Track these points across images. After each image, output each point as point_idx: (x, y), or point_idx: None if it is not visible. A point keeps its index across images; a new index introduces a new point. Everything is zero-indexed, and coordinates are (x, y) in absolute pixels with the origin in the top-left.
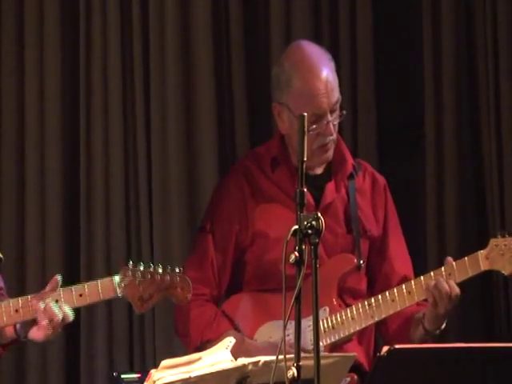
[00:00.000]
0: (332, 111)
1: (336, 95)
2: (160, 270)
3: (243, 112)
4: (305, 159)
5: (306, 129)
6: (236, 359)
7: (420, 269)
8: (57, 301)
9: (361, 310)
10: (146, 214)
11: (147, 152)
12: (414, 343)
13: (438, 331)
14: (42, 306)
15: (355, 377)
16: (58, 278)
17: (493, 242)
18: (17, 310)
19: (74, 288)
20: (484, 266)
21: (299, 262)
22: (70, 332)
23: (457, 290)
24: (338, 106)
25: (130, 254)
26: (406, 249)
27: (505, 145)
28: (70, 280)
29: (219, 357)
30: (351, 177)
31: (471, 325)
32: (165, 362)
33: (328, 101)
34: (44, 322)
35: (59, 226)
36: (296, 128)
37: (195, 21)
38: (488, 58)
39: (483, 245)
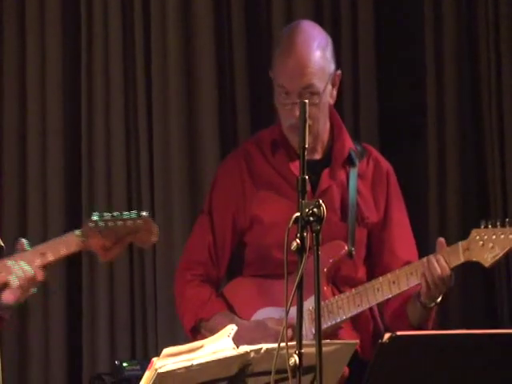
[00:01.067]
0: (301, 94)
1: (309, 81)
2: (124, 216)
3: (245, 103)
4: (306, 146)
5: (306, 116)
6: (238, 346)
7: (422, 256)
8: (21, 262)
9: (348, 298)
10: (147, 205)
11: (149, 145)
12: (412, 319)
13: (433, 304)
14: (10, 265)
15: (345, 369)
16: (24, 240)
17: (474, 232)
18: None
19: (36, 247)
20: (464, 257)
21: (301, 250)
22: (72, 320)
23: (448, 270)
24: (310, 92)
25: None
26: (411, 234)
27: (506, 131)
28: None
29: (221, 344)
30: (353, 163)
31: (473, 314)
32: (167, 350)
33: (297, 82)
34: (13, 284)
35: (61, 221)
36: (276, 97)
37: (197, 14)
38: (490, 43)
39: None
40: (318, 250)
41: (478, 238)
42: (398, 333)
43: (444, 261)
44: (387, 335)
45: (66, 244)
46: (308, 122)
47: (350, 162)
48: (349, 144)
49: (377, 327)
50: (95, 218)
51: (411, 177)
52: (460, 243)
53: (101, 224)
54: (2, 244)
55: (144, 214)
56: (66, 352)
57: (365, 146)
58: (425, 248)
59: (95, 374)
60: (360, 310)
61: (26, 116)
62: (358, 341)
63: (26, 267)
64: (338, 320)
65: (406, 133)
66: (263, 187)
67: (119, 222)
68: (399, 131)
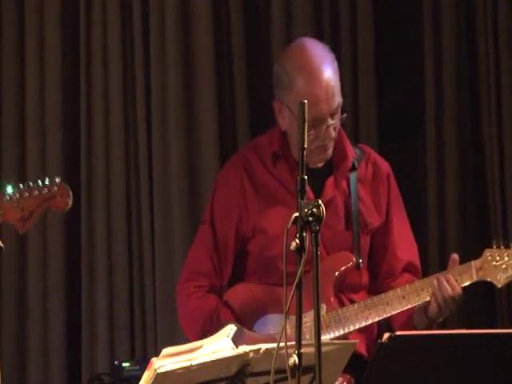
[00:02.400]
0: (332, 115)
1: (337, 100)
2: (38, 185)
3: (244, 104)
4: (305, 146)
5: (306, 117)
6: (237, 347)
7: (420, 257)
8: None
9: (357, 310)
10: (146, 209)
11: (148, 146)
12: (418, 327)
13: (441, 319)
14: None
15: (347, 376)
16: None
17: (487, 252)
18: None
19: None
20: (477, 276)
21: (300, 249)
22: (72, 320)
23: (459, 290)
24: (339, 109)
25: (131, 246)
26: (412, 235)
27: (505, 129)
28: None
29: (220, 345)
30: (353, 168)
31: (472, 313)
32: (166, 350)
33: (328, 107)
34: None
35: (60, 222)
36: (296, 129)
37: (195, 14)
38: (488, 41)
39: (483, 234)
40: (317, 250)
41: (490, 258)
42: (398, 333)
43: (454, 280)
44: (386, 335)
45: None
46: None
47: (351, 168)
48: (351, 153)
49: (381, 330)
50: (10, 190)
51: (410, 174)
52: (473, 262)
53: (16, 196)
54: (2, 245)
55: (57, 179)
56: (65, 352)
57: (362, 147)
58: (424, 246)
59: (94, 374)
60: (368, 323)
61: (24, 115)
62: (357, 340)
63: None
64: (346, 331)
65: (405, 130)
66: (266, 197)
67: (35, 192)
68: (398, 129)
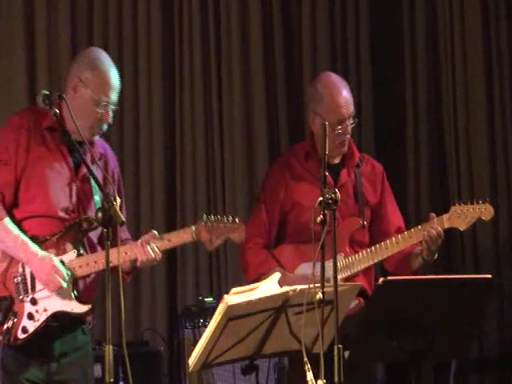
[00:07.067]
0: (349, 118)
1: (352, 108)
2: (224, 220)
3: (284, 120)
4: (327, 153)
5: (327, 132)
6: (281, 287)
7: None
8: (151, 244)
9: (365, 254)
10: (220, 191)
11: (221, 154)
12: (413, 270)
13: (433, 259)
14: (143, 248)
15: (361, 299)
16: (154, 231)
17: (452, 208)
18: (126, 253)
19: (164, 235)
20: (446, 224)
21: (323, 222)
22: (171, 266)
23: (440, 229)
24: (353, 115)
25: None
26: (398, 210)
27: (461, 137)
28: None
29: (270, 285)
30: (357, 166)
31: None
32: (234, 289)
33: (347, 111)
34: (141, 259)
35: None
36: (320, 127)
37: (252, 54)
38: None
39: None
40: (334, 221)
41: (455, 212)
42: (389, 278)
43: (436, 223)
44: (381, 279)
45: (185, 234)
46: (349, 135)
47: (356, 165)
48: (357, 153)
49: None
50: (205, 219)
51: (396, 172)
52: (444, 215)
53: (209, 223)
54: (124, 219)
55: (237, 220)
56: (166, 290)
57: (363, 155)
58: (405, 217)
59: (185, 305)
60: (371, 263)
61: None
62: (361, 283)
63: (157, 250)
64: (355, 270)
65: (393, 142)
66: (300, 182)
67: (221, 224)
68: (388, 141)
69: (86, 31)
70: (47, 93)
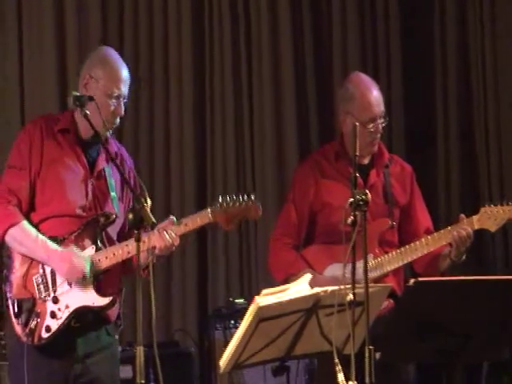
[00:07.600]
0: (380, 116)
1: (382, 107)
2: (240, 200)
3: (315, 119)
4: (357, 154)
5: (358, 133)
6: (312, 288)
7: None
8: (168, 230)
9: (394, 255)
10: (250, 187)
11: (252, 156)
12: (442, 271)
13: (461, 260)
14: (161, 234)
15: (391, 301)
16: (172, 217)
17: (482, 209)
18: (143, 241)
19: (182, 220)
20: (476, 225)
21: (354, 223)
22: (202, 269)
23: (470, 230)
24: (383, 114)
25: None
26: (427, 211)
27: (491, 139)
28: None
29: (301, 287)
30: (386, 166)
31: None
32: (265, 291)
33: (378, 110)
34: (159, 246)
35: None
36: (352, 127)
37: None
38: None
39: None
40: (365, 223)
41: (485, 213)
42: (420, 278)
43: (466, 224)
44: (412, 280)
45: (201, 217)
46: (379, 134)
47: (385, 166)
48: (386, 153)
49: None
50: (221, 200)
51: (426, 173)
52: (474, 216)
53: (225, 204)
54: (155, 220)
55: (252, 198)
56: (197, 291)
57: (392, 155)
58: (435, 219)
59: (216, 306)
60: (401, 264)
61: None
62: (391, 284)
63: (174, 236)
64: (385, 271)
65: (423, 144)
66: (330, 182)
67: (237, 204)
68: (418, 143)
69: (117, 33)
70: (77, 94)
